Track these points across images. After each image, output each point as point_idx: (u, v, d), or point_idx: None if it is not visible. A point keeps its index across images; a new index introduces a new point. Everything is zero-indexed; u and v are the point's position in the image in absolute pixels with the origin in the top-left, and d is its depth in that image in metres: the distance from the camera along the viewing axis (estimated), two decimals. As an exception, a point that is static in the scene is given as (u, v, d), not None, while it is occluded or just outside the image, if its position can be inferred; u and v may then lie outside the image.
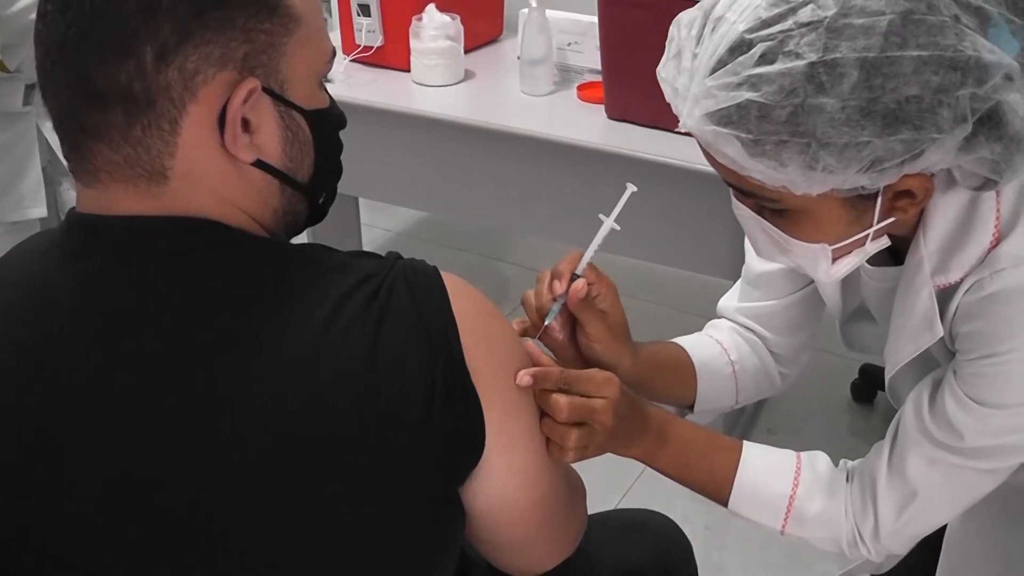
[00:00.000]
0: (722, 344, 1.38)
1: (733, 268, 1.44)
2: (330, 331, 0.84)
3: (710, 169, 1.72)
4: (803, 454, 1.20)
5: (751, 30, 0.90)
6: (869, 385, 2.73)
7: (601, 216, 1.14)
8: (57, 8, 0.82)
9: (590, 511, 1.17)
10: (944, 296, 1.04)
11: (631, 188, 1.13)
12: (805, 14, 0.88)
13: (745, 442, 1.21)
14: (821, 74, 0.87)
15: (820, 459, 1.20)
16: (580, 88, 2.43)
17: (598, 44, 2.23)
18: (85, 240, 0.88)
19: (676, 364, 1.34)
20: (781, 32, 0.88)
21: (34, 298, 0.89)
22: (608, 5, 2.14)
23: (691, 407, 1.36)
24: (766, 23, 0.89)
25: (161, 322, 0.84)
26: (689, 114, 0.96)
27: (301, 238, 1.02)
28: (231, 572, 0.88)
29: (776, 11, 0.89)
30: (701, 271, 2.35)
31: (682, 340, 1.38)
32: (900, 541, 1.14)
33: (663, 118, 2.14)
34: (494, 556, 1.06)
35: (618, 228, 1.14)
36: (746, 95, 0.89)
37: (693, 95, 0.95)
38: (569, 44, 2.49)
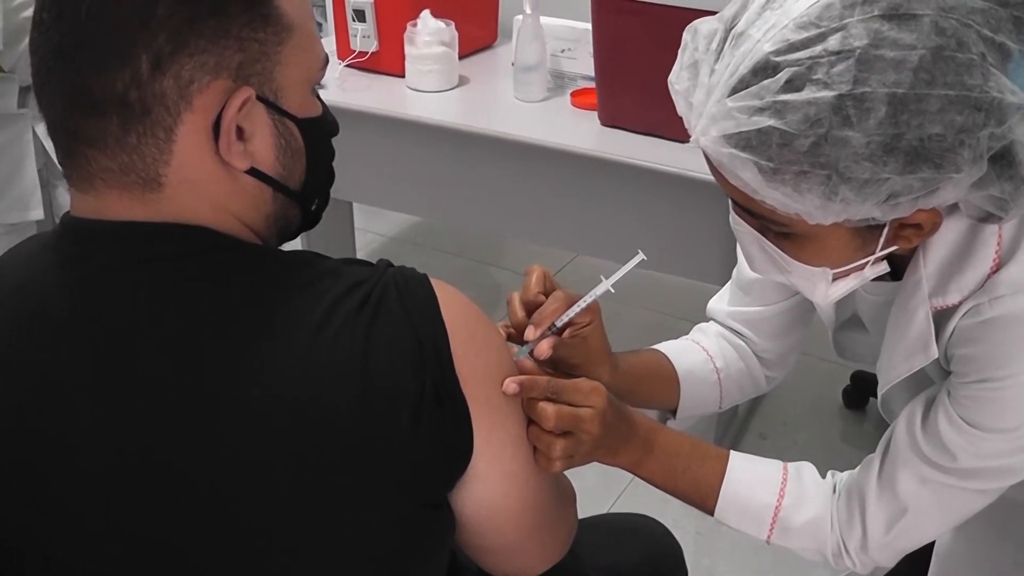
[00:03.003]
0: (708, 351, 1.37)
1: (724, 274, 1.44)
2: (321, 336, 0.84)
3: (702, 176, 1.71)
4: (790, 465, 1.20)
5: (778, 52, 0.87)
6: (861, 392, 2.74)
7: (602, 276, 1.10)
8: (52, 16, 0.82)
9: (582, 516, 1.17)
10: (940, 318, 1.04)
11: (640, 256, 1.10)
12: (835, 42, 0.85)
13: (732, 452, 1.21)
14: (849, 107, 0.84)
15: (807, 470, 1.19)
16: (573, 94, 2.43)
17: (592, 51, 2.24)
18: (78, 244, 0.88)
19: (657, 373, 1.34)
20: (810, 58, 0.85)
21: (26, 302, 0.89)
22: (602, 12, 2.14)
23: (674, 412, 1.36)
24: (794, 47, 0.86)
25: (153, 327, 0.85)
26: (704, 132, 0.93)
27: (295, 243, 1.03)
28: (221, 572, 0.89)
29: (805, 35, 0.86)
30: (692, 277, 2.35)
31: (666, 347, 1.38)
32: (888, 554, 1.14)
33: (656, 125, 2.17)
34: (484, 560, 1.06)
35: (612, 291, 1.11)
36: (768, 121, 0.87)
37: (710, 113, 0.92)
38: (563, 51, 2.50)
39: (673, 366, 1.34)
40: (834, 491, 1.17)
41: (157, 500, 0.86)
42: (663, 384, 1.34)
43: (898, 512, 1.10)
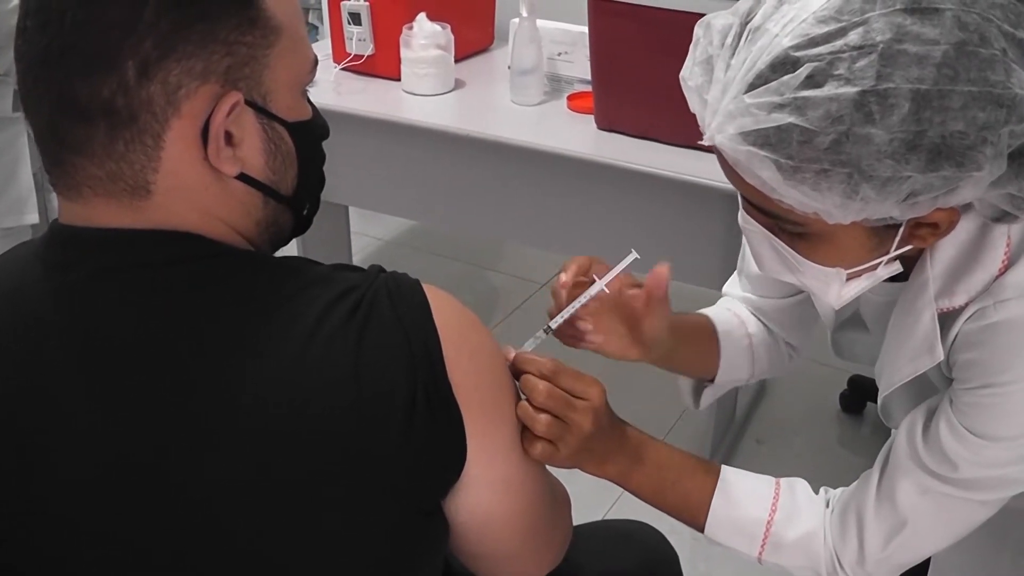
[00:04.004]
0: (739, 316, 1.36)
1: (722, 278, 1.44)
2: (312, 343, 0.84)
3: (698, 180, 1.70)
4: (782, 480, 1.18)
5: (797, 47, 0.85)
6: (858, 396, 2.74)
7: (595, 276, 1.11)
8: (37, 24, 0.81)
9: (577, 522, 1.17)
10: (945, 320, 1.02)
11: (633, 255, 1.10)
12: (856, 36, 0.83)
13: (723, 466, 1.19)
14: (872, 103, 0.82)
15: (799, 485, 1.18)
16: (570, 98, 2.43)
17: (588, 54, 2.23)
18: (67, 252, 0.87)
19: (703, 334, 1.31)
20: (831, 53, 0.83)
21: (14, 310, 0.89)
22: (599, 16, 2.14)
23: (710, 380, 1.34)
24: (814, 41, 0.84)
25: (142, 334, 0.84)
26: (720, 129, 0.90)
27: (290, 246, 1.02)
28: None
29: (825, 29, 0.84)
30: (689, 281, 2.35)
31: (703, 311, 1.37)
32: (886, 569, 1.12)
33: (652, 129, 2.17)
34: (478, 567, 1.05)
35: (607, 291, 1.11)
36: (788, 118, 0.84)
37: (727, 110, 0.89)
38: (559, 54, 2.49)
39: (714, 326, 1.33)
40: (827, 506, 1.15)
41: (150, 507, 0.85)
42: (707, 345, 1.31)
43: (897, 525, 1.08)
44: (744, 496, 1.16)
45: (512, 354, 1.04)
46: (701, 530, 1.17)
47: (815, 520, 1.14)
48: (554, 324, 1.11)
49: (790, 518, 1.14)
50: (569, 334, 1.17)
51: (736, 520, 1.16)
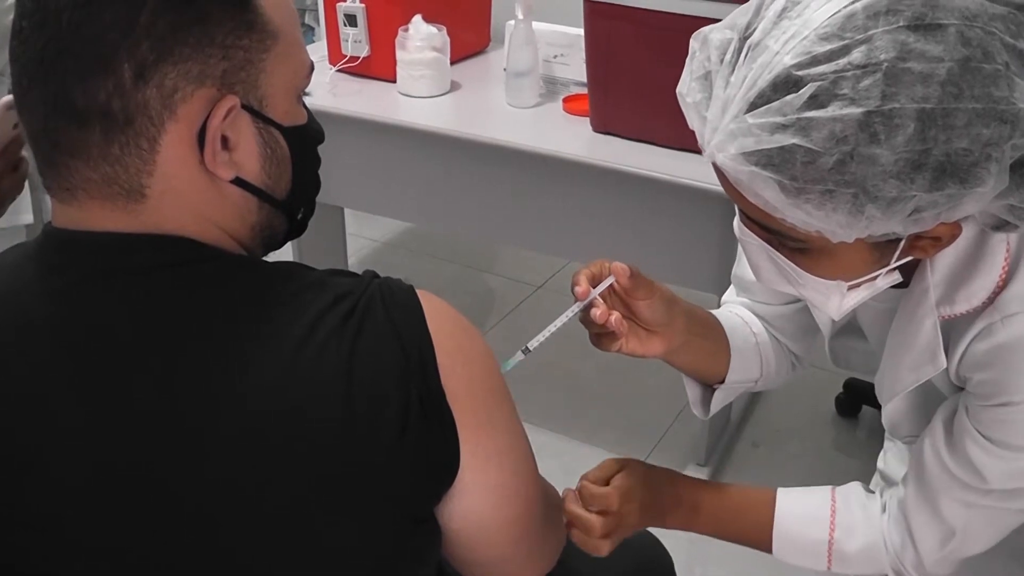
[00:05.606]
0: (743, 318, 1.35)
1: (719, 282, 1.44)
2: (305, 349, 0.83)
3: (694, 183, 1.69)
4: (837, 492, 1.22)
5: (800, 66, 0.82)
6: (853, 399, 2.73)
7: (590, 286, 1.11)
8: (34, 25, 0.81)
9: (571, 526, 1.17)
10: (947, 327, 1.02)
11: (611, 279, 1.10)
12: (859, 55, 0.81)
13: (779, 492, 1.23)
14: (876, 123, 0.80)
15: (854, 495, 1.21)
16: (566, 100, 2.43)
17: (584, 57, 2.23)
18: (60, 255, 0.87)
19: (714, 326, 1.30)
20: (834, 72, 0.81)
21: (7, 312, 0.88)
22: (594, 18, 2.14)
23: (718, 384, 1.33)
24: (817, 59, 0.82)
25: (134, 339, 0.84)
26: (720, 148, 0.88)
27: (287, 247, 1.02)
28: None
29: (828, 47, 0.82)
30: (685, 284, 2.35)
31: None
32: (946, 566, 1.15)
33: (648, 131, 2.17)
34: (472, 574, 1.05)
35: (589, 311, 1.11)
36: (792, 139, 0.82)
37: (728, 129, 0.87)
38: (555, 56, 2.50)
39: (722, 323, 1.32)
40: (883, 510, 1.19)
41: (140, 514, 0.85)
42: (718, 337, 1.30)
43: (948, 533, 1.11)
44: (801, 521, 1.21)
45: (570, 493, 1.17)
46: (772, 554, 1.24)
47: (873, 530, 1.18)
48: (533, 345, 1.12)
49: (849, 533, 1.19)
50: (604, 335, 1.14)
51: (799, 545, 1.21)
